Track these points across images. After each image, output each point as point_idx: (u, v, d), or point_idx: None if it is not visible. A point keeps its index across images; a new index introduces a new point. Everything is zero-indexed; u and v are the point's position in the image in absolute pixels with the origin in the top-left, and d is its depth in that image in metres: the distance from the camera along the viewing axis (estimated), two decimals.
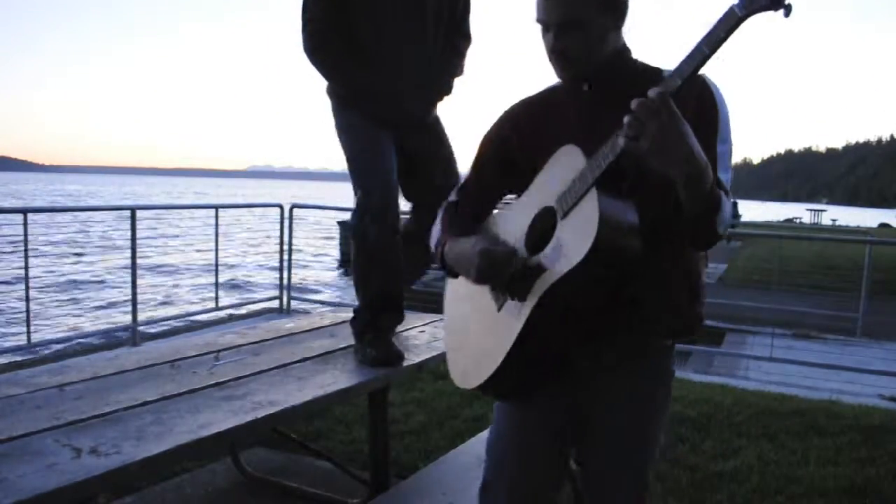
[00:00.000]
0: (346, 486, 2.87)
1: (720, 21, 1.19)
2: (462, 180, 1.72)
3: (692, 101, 1.38)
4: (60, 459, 1.49)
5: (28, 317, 5.21)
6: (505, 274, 1.45)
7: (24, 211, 5.25)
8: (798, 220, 34.42)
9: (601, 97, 1.48)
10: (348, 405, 3.55)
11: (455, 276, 1.62)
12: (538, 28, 1.47)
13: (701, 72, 1.26)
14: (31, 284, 5.23)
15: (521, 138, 1.58)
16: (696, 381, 4.97)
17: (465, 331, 1.66)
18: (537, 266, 1.42)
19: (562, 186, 1.42)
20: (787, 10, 1.15)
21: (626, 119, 1.24)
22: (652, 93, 1.22)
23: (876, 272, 8.93)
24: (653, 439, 1.56)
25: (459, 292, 1.68)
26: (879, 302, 9.81)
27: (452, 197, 1.70)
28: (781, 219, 35.23)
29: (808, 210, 44.92)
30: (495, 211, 1.67)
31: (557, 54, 1.44)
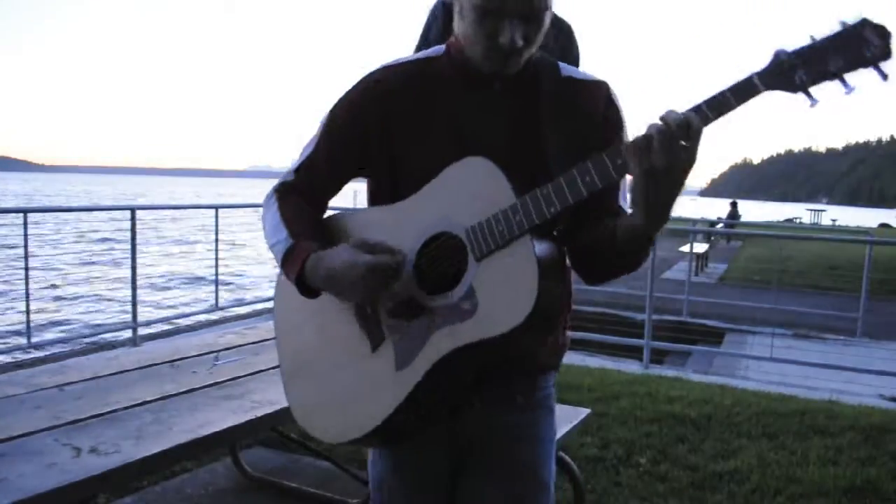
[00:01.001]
0: (346, 486, 2.87)
1: (735, 88, 1.02)
2: (304, 156, 1.37)
3: (602, 101, 1.31)
4: (60, 459, 1.49)
5: (28, 317, 5.22)
6: (396, 305, 1.23)
7: (25, 211, 5.26)
8: (798, 220, 34.41)
9: (505, 101, 1.30)
10: None
11: (312, 292, 1.27)
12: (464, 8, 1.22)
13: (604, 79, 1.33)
14: (30, 285, 5.24)
15: (389, 116, 1.29)
16: (696, 381, 4.97)
17: (318, 370, 1.34)
18: (441, 312, 1.20)
19: (472, 214, 1.18)
20: (811, 99, 1.00)
21: (658, 136, 1.02)
22: (693, 117, 1.02)
23: (876, 272, 8.94)
24: (537, 472, 1.40)
25: (304, 314, 1.36)
26: (879, 302, 9.81)
27: (288, 177, 1.38)
28: (781, 219, 35.21)
29: (808, 210, 44.92)
30: (347, 210, 1.41)
31: (512, 48, 1.19)
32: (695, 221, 18.21)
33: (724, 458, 3.34)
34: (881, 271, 10.51)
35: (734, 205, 23.65)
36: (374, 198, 1.39)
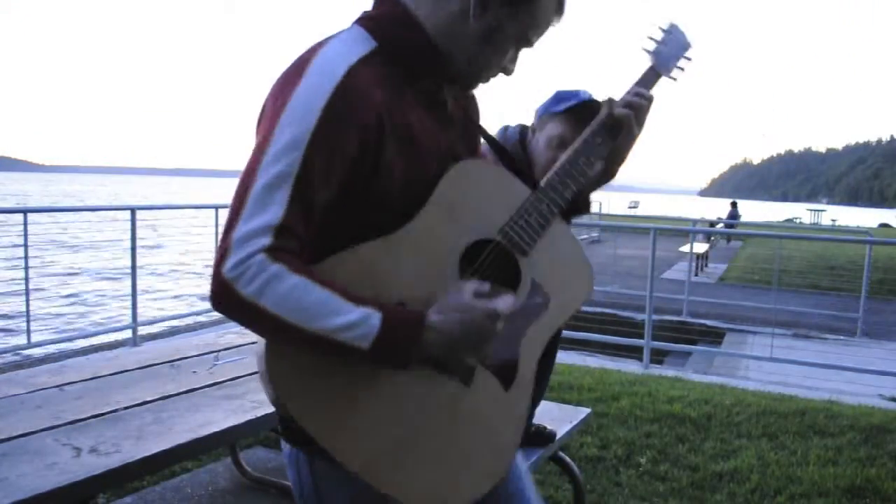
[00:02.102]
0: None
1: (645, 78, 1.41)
2: (282, 207, 1.01)
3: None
4: (60, 459, 1.49)
5: (28, 317, 5.22)
6: (490, 345, 1.12)
7: (25, 211, 5.26)
8: (798, 220, 34.41)
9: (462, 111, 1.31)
10: None
11: (403, 364, 1.05)
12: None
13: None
14: (31, 285, 5.24)
15: (381, 130, 1.11)
16: (696, 381, 4.98)
17: (417, 443, 1.10)
18: (518, 317, 1.18)
19: (498, 214, 1.19)
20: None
21: (631, 104, 1.34)
22: (643, 90, 1.37)
23: (876, 272, 8.95)
24: None
25: (353, 391, 1.06)
26: (879, 302, 9.82)
27: (266, 240, 0.99)
28: (781, 219, 35.22)
29: (808, 210, 44.91)
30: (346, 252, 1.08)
31: (510, 72, 1.25)
32: (695, 221, 18.22)
33: (724, 458, 3.34)
34: (881, 271, 10.51)
35: (734, 205, 23.65)
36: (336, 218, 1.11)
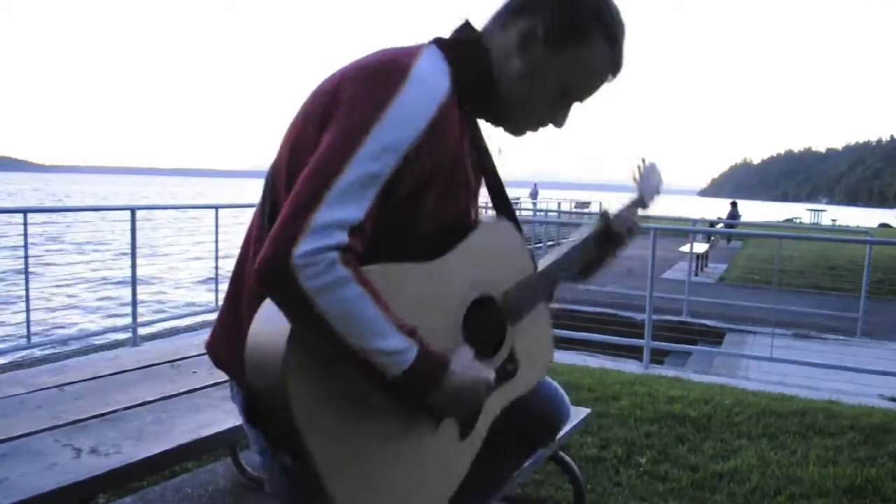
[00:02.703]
0: None
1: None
2: (365, 207, 1.00)
3: None
4: (61, 459, 1.49)
5: (28, 317, 5.22)
6: (477, 410, 1.23)
7: (24, 211, 5.26)
8: (798, 220, 34.40)
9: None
10: None
11: (414, 399, 1.08)
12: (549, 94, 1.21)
13: None
14: (30, 284, 5.24)
15: (445, 162, 1.12)
16: (696, 381, 4.97)
17: (376, 458, 1.13)
18: (497, 378, 1.24)
19: (504, 279, 1.27)
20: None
21: (632, 229, 1.50)
22: (635, 223, 1.53)
23: (876, 272, 8.95)
24: None
25: (347, 396, 1.08)
26: (879, 302, 9.82)
27: (343, 237, 0.97)
28: (781, 219, 35.21)
29: (808, 210, 44.90)
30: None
31: (559, 125, 1.27)
32: (695, 221, 18.21)
33: (724, 458, 3.34)
34: (881, 271, 10.51)
35: (734, 205, 23.64)
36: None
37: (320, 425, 1.06)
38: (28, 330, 5.20)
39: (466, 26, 1.22)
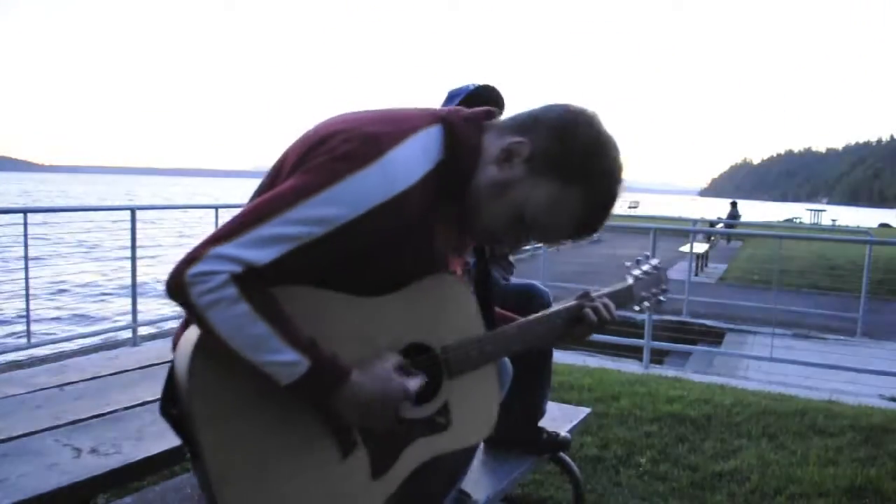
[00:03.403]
0: None
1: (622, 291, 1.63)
2: (271, 258, 1.06)
3: None
4: (61, 459, 1.49)
5: (28, 317, 5.22)
6: (394, 419, 1.19)
7: (25, 211, 5.26)
8: (798, 220, 34.40)
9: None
10: None
11: (315, 403, 1.14)
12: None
13: None
14: (30, 284, 5.24)
15: (398, 234, 1.18)
16: (696, 381, 4.98)
17: (272, 473, 1.15)
18: (418, 423, 1.26)
19: (447, 333, 1.28)
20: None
21: (599, 312, 1.49)
22: (613, 310, 1.54)
23: (876, 272, 8.94)
24: None
25: (253, 398, 1.13)
26: (879, 302, 9.82)
27: (237, 269, 1.05)
28: (781, 219, 35.21)
29: (808, 210, 44.90)
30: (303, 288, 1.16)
31: (510, 251, 1.36)
32: (695, 221, 18.21)
33: (724, 458, 3.34)
34: (881, 271, 10.51)
35: (734, 205, 23.65)
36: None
37: (217, 430, 1.10)
38: (28, 330, 5.20)
39: (487, 114, 1.27)
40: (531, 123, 1.21)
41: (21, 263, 5.17)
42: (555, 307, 1.46)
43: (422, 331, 1.26)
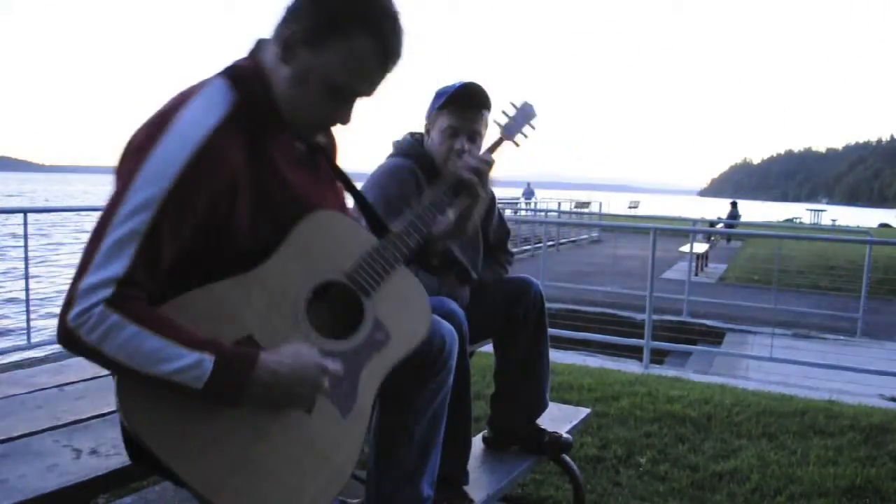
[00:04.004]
0: (346, 485, 2.87)
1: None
2: (127, 262, 1.10)
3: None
4: (61, 460, 1.49)
5: (28, 317, 5.21)
6: (314, 397, 1.21)
7: (25, 211, 5.26)
8: (798, 220, 34.40)
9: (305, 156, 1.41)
10: None
11: (234, 402, 1.14)
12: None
13: None
14: (31, 285, 5.24)
15: (234, 189, 1.21)
16: (696, 381, 4.98)
17: (254, 458, 1.18)
18: (360, 350, 1.30)
19: (344, 260, 1.32)
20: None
21: (478, 170, 1.53)
22: (487, 156, 1.61)
23: (876, 272, 8.95)
24: None
25: (198, 407, 1.14)
26: (879, 302, 9.82)
27: (108, 292, 1.08)
28: (781, 219, 35.23)
29: (808, 210, 44.87)
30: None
31: (345, 122, 1.35)
32: (695, 221, 18.21)
33: (724, 458, 3.34)
34: (881, 271, 10.51)
35: (734, 205, 23.64)
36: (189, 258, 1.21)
37: (182, 454, 1.13)
38: (28, 330, 5.20)
39: (257, 48, 1.31)
40: (287, 14, 1.26)
41: (21, 263, 5.17)
42: (435, 188, 1.54)
43: (320, 270, 1.29)
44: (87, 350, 1.08)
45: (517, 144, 1.76)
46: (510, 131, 1.75)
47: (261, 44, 1.32)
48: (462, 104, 2.09)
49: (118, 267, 1.09)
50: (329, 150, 1.47)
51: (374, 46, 1.24)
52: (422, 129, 2.21)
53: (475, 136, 2.12)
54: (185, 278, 1.19)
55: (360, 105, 1.33)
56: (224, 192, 1.19)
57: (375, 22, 1.23)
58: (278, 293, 1.24)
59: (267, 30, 1.30)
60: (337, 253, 1.33)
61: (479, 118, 2.12)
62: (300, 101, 1.26)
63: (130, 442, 1.27)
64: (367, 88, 1.29)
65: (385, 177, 2.09)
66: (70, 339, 1.08)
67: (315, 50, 1.23)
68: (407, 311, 1.38)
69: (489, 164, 1.59)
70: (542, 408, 2.34)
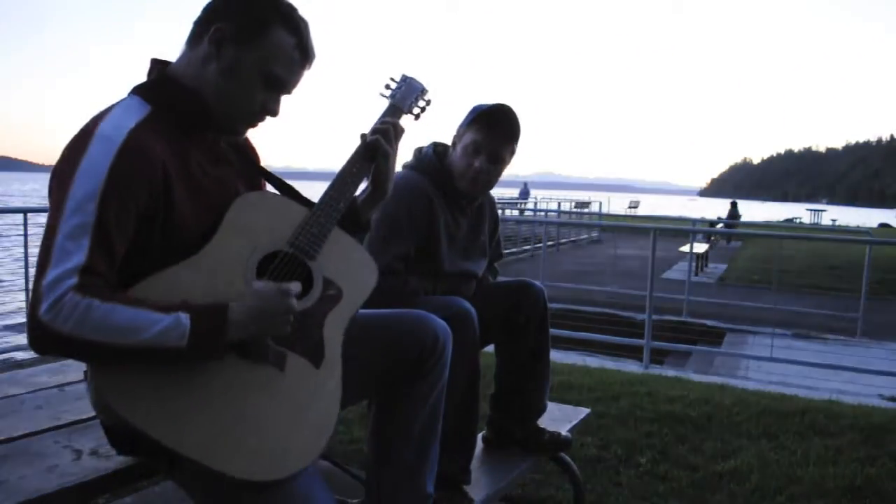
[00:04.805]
0: (345, 485, 2.87)
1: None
2: (85, 252, 1.17)
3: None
4: (61, 461, 1.49)
5: (28, 316, 5.21)
6: (288, 319, 1.28)
7: (25, 211, 5.26)
8: (798, 220, 34.40)
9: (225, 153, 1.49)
10: None
11: (218, 349, 1.22)
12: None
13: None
14: (31, 284, 5.24)
15: (167, 178, 1.30)
16: (696, 381, 4.98)
17: (240, 420, 1.24)
18: (317, 307, 1.38)
19: (283, 230, 1.41)
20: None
21: (378, 130, 1.59)
22: (387, 118, 1.64)
23: (876, 272, 8.94)
24: None
25: (175, 379, 1.21)
26: (879, 302, 9.82)
27: (73, 280, 1.14)
28: (781, 219, 35.23)
29: (808, 210, 44.87)
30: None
31: (275, 114, 1.44)
32: (695, 221, 18.22)
33: (724, 458, 3.34)
34: (881, 271, 10.51)
35: (734, 205, 23.64)
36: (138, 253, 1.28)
37: (161, 420, 1.18)
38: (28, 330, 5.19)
39: (156, 64, 1.42)
40: (207, 15, 1.37)
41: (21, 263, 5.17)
42: (349, 157, 1.60)
43: (263, 243, 1.38)
44: (64, 340, 1.12)
45: (415, 117, 1.76)
46: (402, 101, 1.73)
47: (155, 63, 1.42)
48: (492, 124, 2.10)
49: (78, 257, 1.16)
50: (248, 152, 1.58)
51: (295, 42, 1.38)
52: (438, 139, 2.23)
53: (497, 159, 2.13)
54: (137, 275, 1.25)
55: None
56: (158, 182, 1.27)
57: (293, 22, 1.37)
58: (226, 268, 1.31)
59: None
60: (275, 226, 1.41)
61: (505, 142, 2.13)
62: (233, 93, 1.36)
63: (112, 432, 1.33)
64: (293, 80, 1.41)
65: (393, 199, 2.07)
66: (44, 334, 1.12)
67: (245, 45, 1.34)
68: (351, 266, 1.49)
69: (391, 125, 1.63)
70: (542, 410, 2.34)
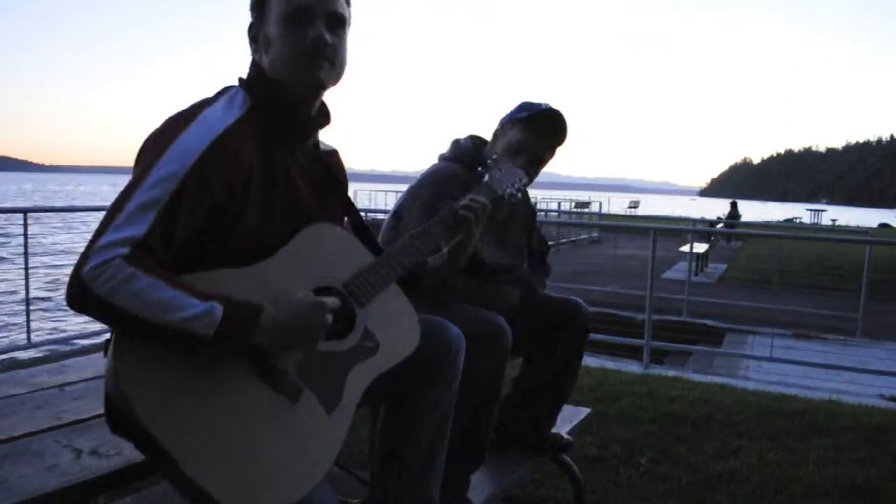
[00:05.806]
0: (345, 485, 2.87)
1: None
2: (147, 226, 1.17)
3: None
4: (61, 461, 1.49)
5: (28, 317, 5.21)
6: (308, 356, 1.31)
7: (25, 211, 5.26)
8: (798, 220, 34.39)
9: (313, 162, 1.50)
10: None
11: (244, 343, 1.21)
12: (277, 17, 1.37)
13: None
14: (30, 284, 5.23)
15: (249, 180, 1.31)
16: (696, 381, 4.97)
17: (234, 438, 1.22)
18: (350, 354, 1.38)
19: (342, 271, 1.41)
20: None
21: (471, 207, 1.59)
22: (484, 199, 1.63)
23: (876, 272, 8.94)
24: None
25: (184, 380, 1.20)
26: (879, 302, 9.82)
27: (125, 250, 1.14)
28: (781, 219, 35.22)
29: (808, 210, 44.87)
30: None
31: (325, 47, 1.36)
32: (695, 221, 18.21)
33: (724, 458, 3.34)
34: (881, 271, 10.51)
35: (734, 205, 23.65)
36: (194, 250, 1.28)
37: (164, 419, 1.16)
38: (28, 330, 5.20)
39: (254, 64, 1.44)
40: (252, 21, 1.42)
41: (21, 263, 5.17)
42: (433, 219, 1.60)
43: (319, 276, 1.38)
44: (98, 301, 1.12)
45: (508, 198, 1.74)
46: (499, 184, 1.73)
47: (253, 63, 1.44)
48: (540, 125, 2.06)
49: (138, 229, 1.16)
50: (339, 175, 1.57)
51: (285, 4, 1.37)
52: (473, 132, 2.18)
53: (537, 161, 2.09)
54: (188, 263, 1.25)
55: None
56: (241, 180, 1.28)
57: None
58: (275, 288, 1.29)
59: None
60: (335, 263, 1.41)
61: (550, 147, 2.10)
62: (282, 52, 1.36)
63: (112, 411, 1.31)
64: (308, 6, 1.36)
65: (429, 182, 2.05)
66: (82, 292, 1.12)
67: (263, 19, 1.39)
68: (397, 327, 1.47)
69: (483, 205, 1.62)
70: (552, 425, 2.33)
